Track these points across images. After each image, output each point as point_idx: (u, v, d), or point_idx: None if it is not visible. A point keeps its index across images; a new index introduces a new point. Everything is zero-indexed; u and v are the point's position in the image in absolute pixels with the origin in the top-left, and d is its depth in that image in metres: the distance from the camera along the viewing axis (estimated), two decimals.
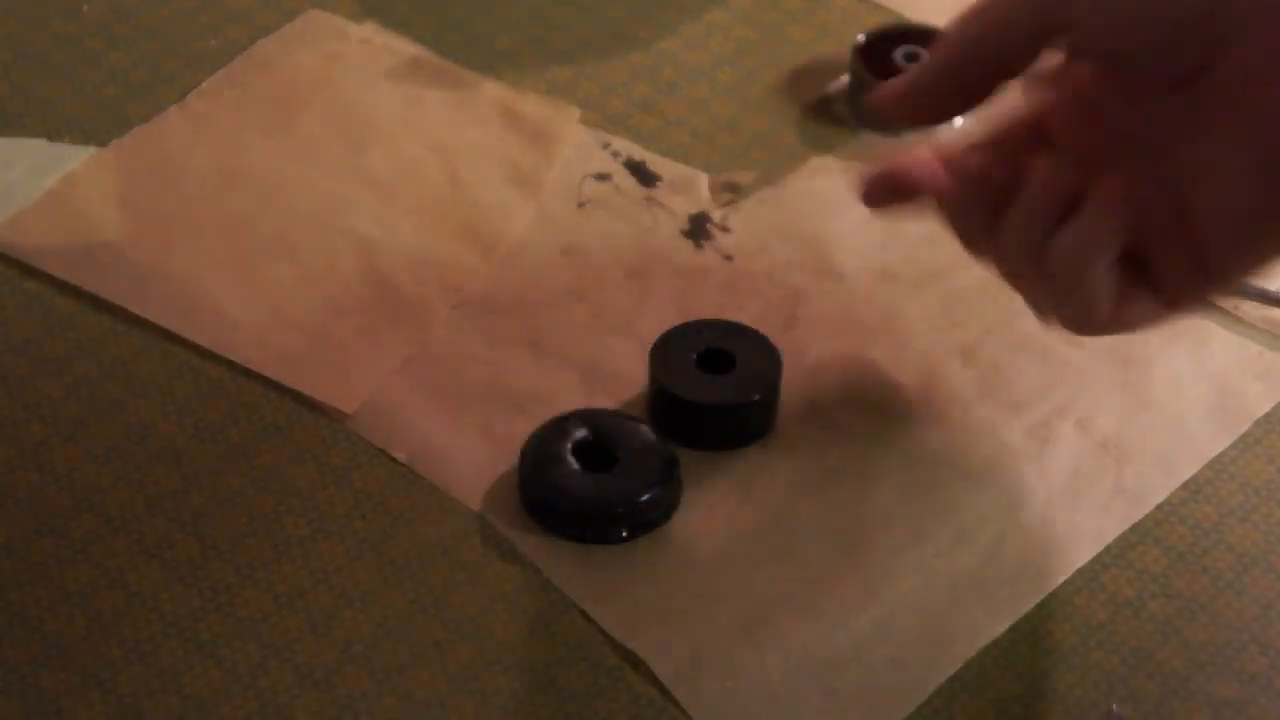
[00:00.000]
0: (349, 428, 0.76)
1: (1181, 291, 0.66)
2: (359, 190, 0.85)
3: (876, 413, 0.77)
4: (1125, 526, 0.74)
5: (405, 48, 0.92)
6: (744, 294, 0.81)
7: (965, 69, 0.67)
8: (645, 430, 0.74)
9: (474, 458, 0.75)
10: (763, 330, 0.78)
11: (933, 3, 0.95)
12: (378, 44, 0.92)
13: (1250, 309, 0.81)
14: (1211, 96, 0.62)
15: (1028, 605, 0.71)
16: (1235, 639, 0.70)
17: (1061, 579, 0.71)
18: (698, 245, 0.83)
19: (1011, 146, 0.68)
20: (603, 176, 0.86)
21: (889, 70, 0.88)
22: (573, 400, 0.77)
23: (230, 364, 0.78)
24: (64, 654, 0.68)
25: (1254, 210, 0.62)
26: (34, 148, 0.87)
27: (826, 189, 0.86)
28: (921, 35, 0.90)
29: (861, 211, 0.85)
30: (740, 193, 0.86)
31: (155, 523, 0.72)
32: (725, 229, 0.84)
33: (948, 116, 0.69)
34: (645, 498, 0.72)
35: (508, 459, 0.74)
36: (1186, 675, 0.69)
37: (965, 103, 0.68)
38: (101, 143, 0.87)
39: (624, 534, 0.72)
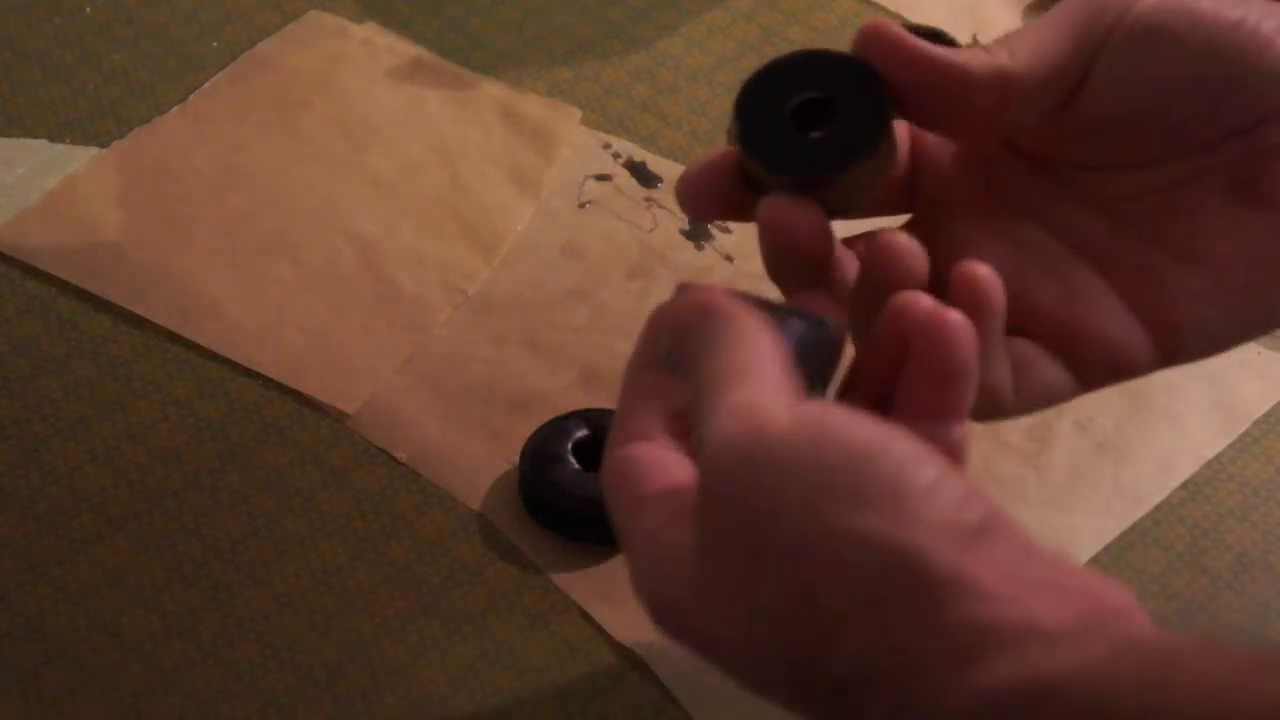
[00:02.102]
0: (349, 428, 0.76)
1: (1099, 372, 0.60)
2: (359, 190, 0.85)
3: None
4: (1124, 526, 0.74)
5: (406, 48, 0.92)
6: None
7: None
8: None
9: (474, 458, 0.75)
10: None
11: (932, 3, 0.95)
12: (379, 44, 0.92)
13: None
14: (1247, 181, 0.58)
15: None
16: (1234, 639, 0.70)
17: None
18: (698, 245, 0.83)
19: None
20: (603, 177, 0.87)
21: None
22: (573, 400, 0.77)
23: (230, 364, 0.78)
24: (64, 654, 0.68)
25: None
26: (36, 148, 0.87)
27: None
28: (921, 36, 0.90)
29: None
30: None
31: (155, 523, 0.73)
32: (725, 229, 0.84)
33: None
34: None
35: (508, 459, 0.75)
36: None
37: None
38: (103, 143, 0.87)
39: None
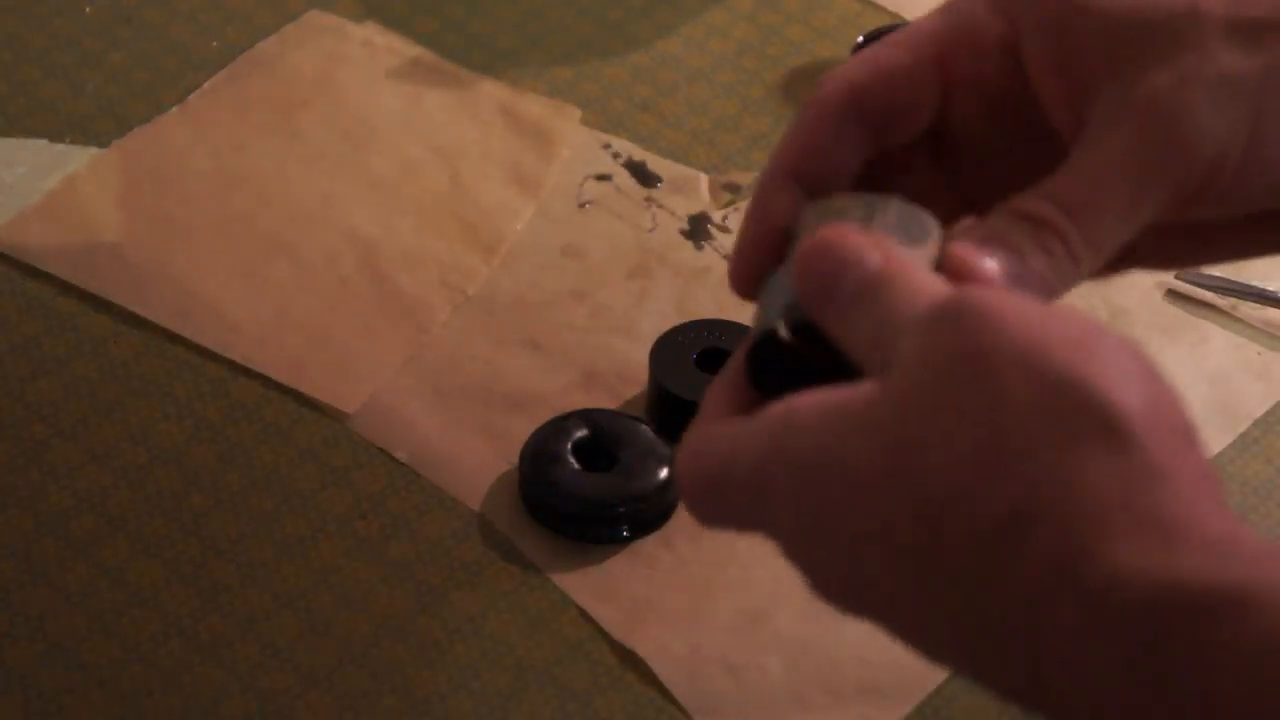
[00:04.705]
0: (349, 428, 0.76)
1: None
2: (359, 190, 0.85)
3: None
4: None
5: (406, 48, 0.92)
6: None
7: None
8: (645, 430, 0.74)
9: (474, 458, 0.75)
10: None
11: (932, 4, 0.95)
12: (378, 44, 0.92)
13: (1249, 309, 0.81)
14: None
15: None
16: None
17: None
18: (698, 245, 0.83)
19: None
20: (603, 177, 0.86)
21: None
22: (573, 400, 0.77)
23: (230, 364, 0.78)
24: (64, 654, 0.68)
25: None
26: (36, 148, 0.87)
27: None
28: None
29: None
30: (740, 193, 0.86)
31: (155, 523, 0.72)
32: (725, 229, 0.84)
33: None
34: (645, 498, 0.72)
35: (508, 459, 0.75)
36: None
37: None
38: (103, 143, 0.87)
39: (624, 534, 0.72)
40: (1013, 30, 0.55)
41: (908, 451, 0.47)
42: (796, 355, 0.54)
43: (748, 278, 0.56)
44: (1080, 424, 0.46)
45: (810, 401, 0.49)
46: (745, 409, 0.52)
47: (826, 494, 0.48)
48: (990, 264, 0.52)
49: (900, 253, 0.51)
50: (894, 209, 0.54)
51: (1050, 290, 0.53)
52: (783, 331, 0.53)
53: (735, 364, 0.54)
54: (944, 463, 0.46)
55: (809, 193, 0.56)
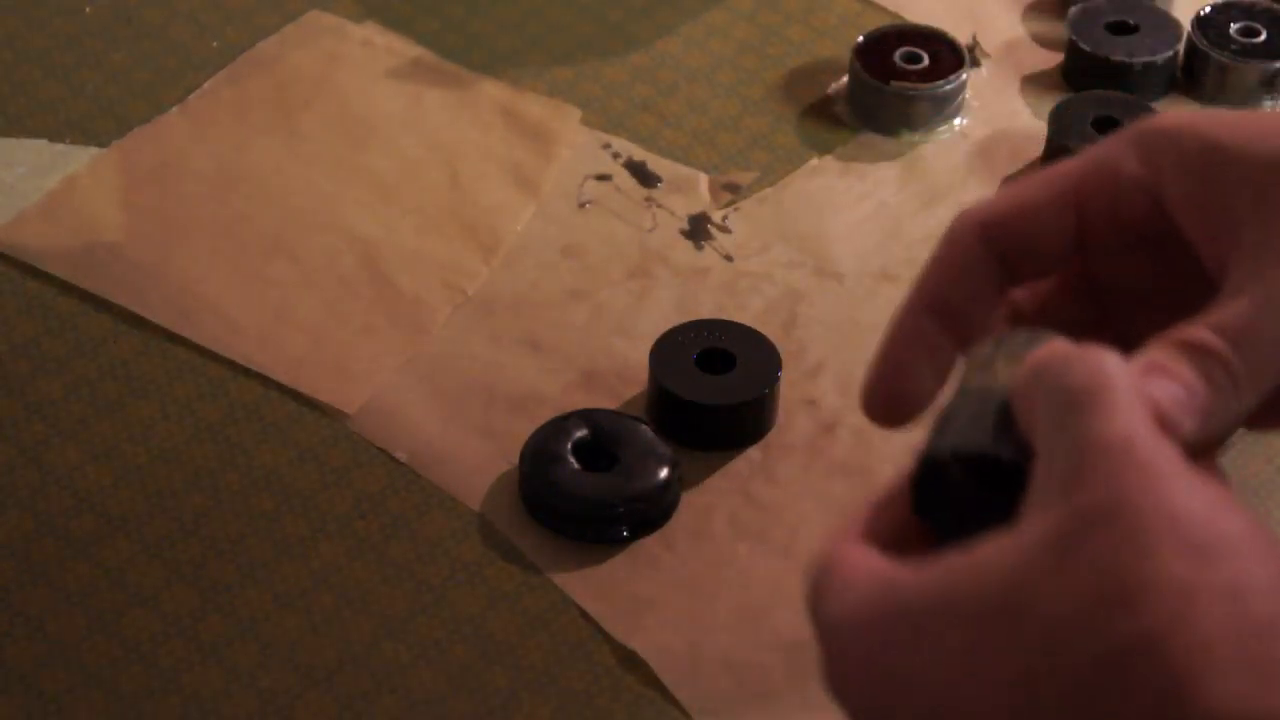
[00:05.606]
0: (349, 428, 0.76)
1: None
2: (359, 190, 0.85)
3: None
4: None
5: (406, 48, 0.92)
6: (744, 294, 0.81)
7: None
8: (645, 430, 0.74)
9: (474, 458, 0.75)
10: (763, 330, 0.78)
11: (932, 3, 0.95)
12: (378, 45, 0.92)
13: None
14: None
15: None
16: None
17: None
18: (698, 245, 0.83)
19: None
20: (603, 177, 0.86)
21: (889, 71, 0.88)
22: (573, 400, 0.77)
23: (230, 364, 0.78)
24: (64, 654, 0.68)
25: None
26: (35, 148, 0.87)
27: (826, 189, 0.86)
28: (921, 36, 0.90)
29: (861, 211, 0.85)
30: (740, 193, 0.86)
31: (155, 523, 0.72)
32: (725, 229, 0.84)
33: None
34: (645, 498, 0.72)
35: (508, 459, 0.75)
36: None
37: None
38: (103, 143, 0.87)
39: (624, 534, 0.72)
40: (1153, 171, 0.56)
41: (1026, 585, 0.47)
42: (962, 488, 0.55)
43: (882, 403, 0.58)
44: (1209, 580, 0.46)
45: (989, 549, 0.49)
46: (896, 537, 0.53)
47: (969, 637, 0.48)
48: (1155, 393, 0.51)
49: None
50: (1048, 340, 0.54)
51: (1213, 419, 0.53)
52: (954, 467, 0.54)
53: (888, 490, 0.55)
54: (1060, 591, 0.46)
55: (946, 323, 0.57)
